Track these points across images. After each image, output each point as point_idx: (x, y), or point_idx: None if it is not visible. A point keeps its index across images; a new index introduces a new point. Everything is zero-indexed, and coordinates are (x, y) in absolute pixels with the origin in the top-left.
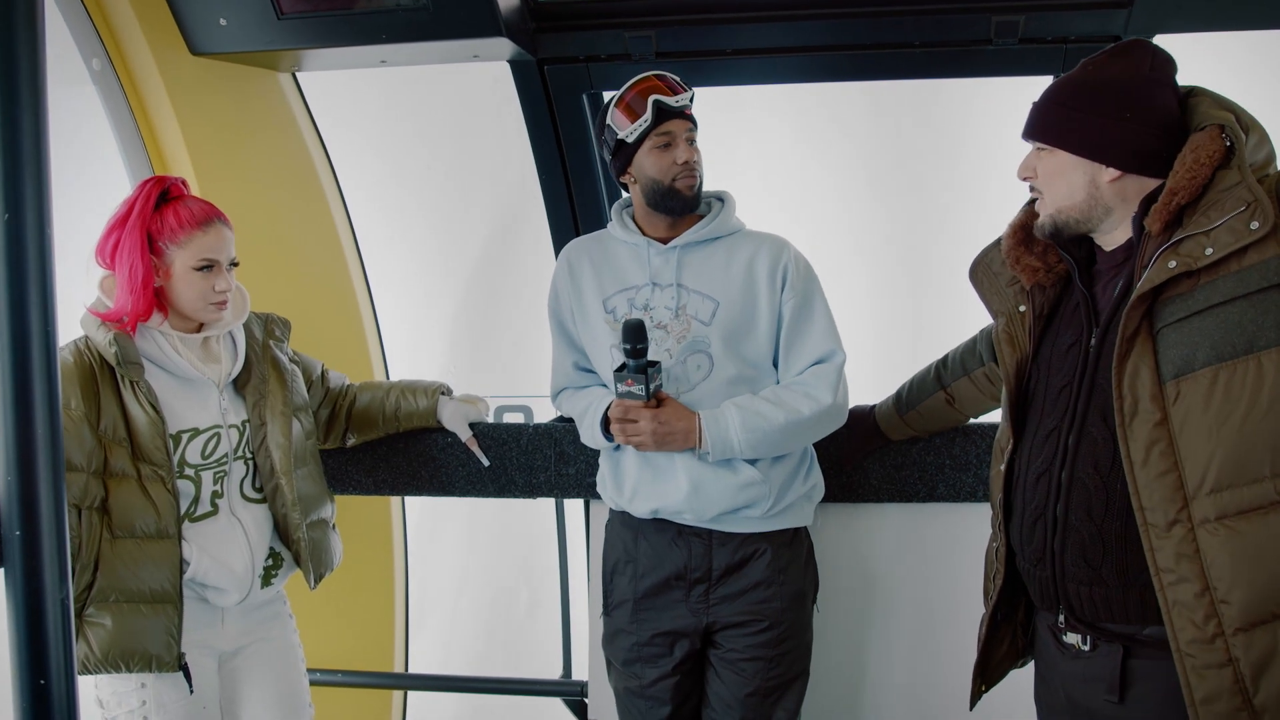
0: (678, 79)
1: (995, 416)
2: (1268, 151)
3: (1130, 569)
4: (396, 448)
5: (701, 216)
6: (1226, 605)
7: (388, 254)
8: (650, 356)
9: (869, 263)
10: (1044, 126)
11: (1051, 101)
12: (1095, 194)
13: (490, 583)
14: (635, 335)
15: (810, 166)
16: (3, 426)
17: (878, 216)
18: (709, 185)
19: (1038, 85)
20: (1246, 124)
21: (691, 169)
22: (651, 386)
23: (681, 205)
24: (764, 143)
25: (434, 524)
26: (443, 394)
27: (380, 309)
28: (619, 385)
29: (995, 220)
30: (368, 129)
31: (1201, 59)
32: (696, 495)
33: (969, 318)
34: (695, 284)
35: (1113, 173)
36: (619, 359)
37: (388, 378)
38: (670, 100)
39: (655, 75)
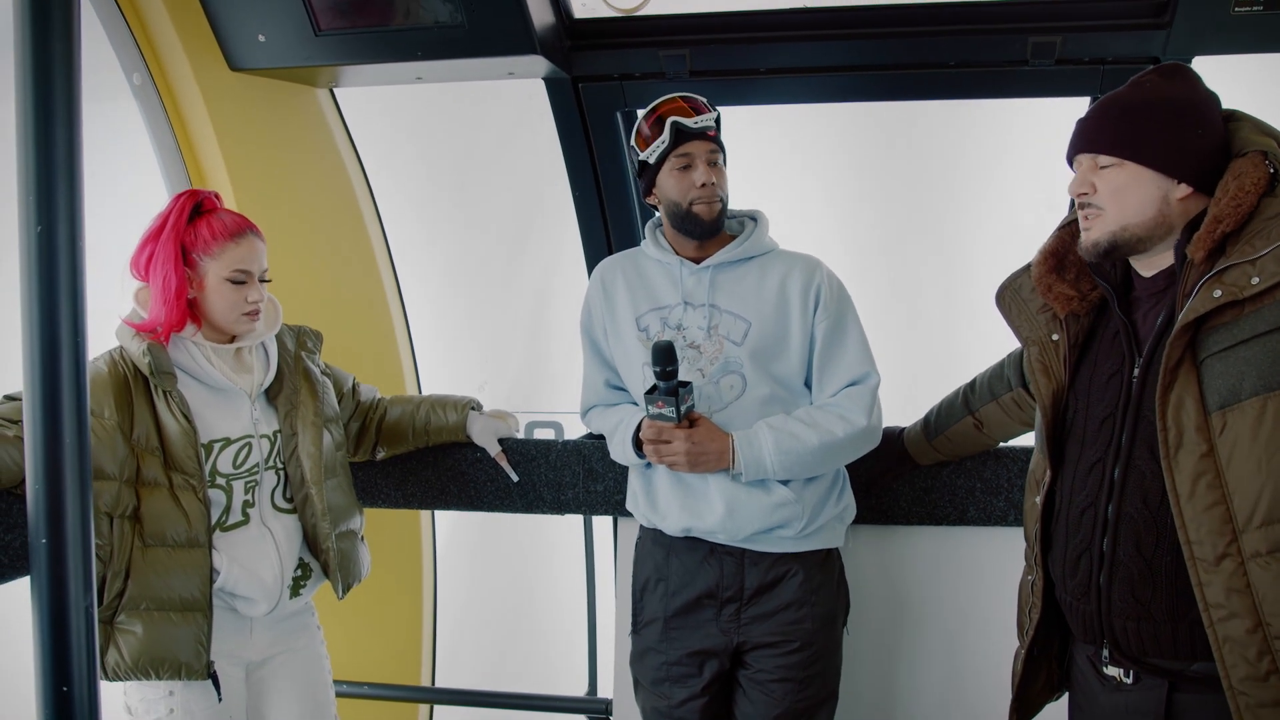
0: (704, 100)
1: (1025, 440)
2: None
3: (1180, 605)
4: (426, 461)
5: (734, 236)
6: None
7: (422, 269)
8: (683, 376)
9: (891, 282)
10: (1111, 139)
11: (1114, 116)
12: (1165, 211)
13: (518, 598)
14: (665, 357)
15: (819, 184)
16: (31, 436)
17: (898, 236)
18: (742, 204)
19: (1066, 106)
20: None
21: (711, 192)
22: (683, 408)
23: (700, 229)
24: (781, 161)
25: (464, 538)
26: (472, 409)
27: (414, 323)
28: (650, 407)
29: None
30: (405, 145)
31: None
32: (731, 516)
33: (994, 339)
34: (728, 304)
35: (1185, 189)
36: (651, 378)
37: (420, 392)
38: (688, 122)
39: (679, 96)
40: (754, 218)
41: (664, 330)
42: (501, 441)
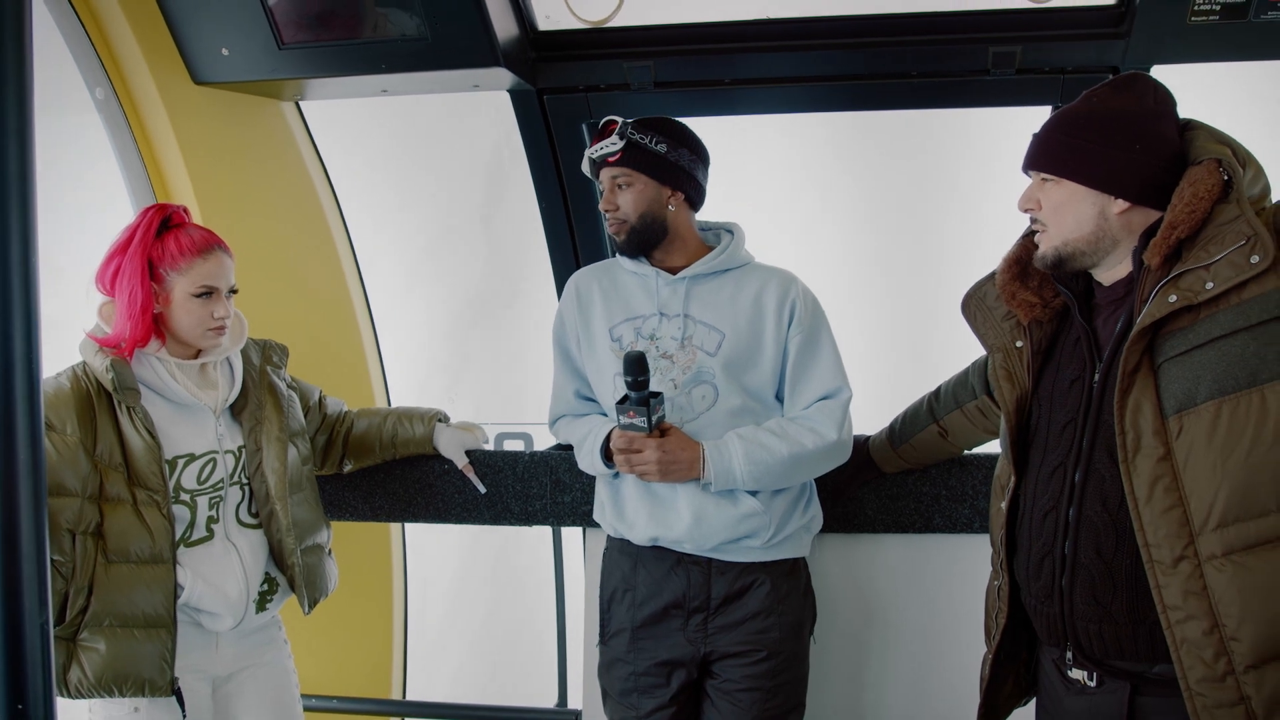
0: (617, 120)
1: (990, 448)
2: (1264, 185)
3: (1140, 607)
4: (393, 474)
5: (711, 248)
6: (1236, 642)
7: (389, 281)
8: (655, 386)
9: (860, 291)
10: (1051, 157)
11: (1058, 132)
12: (1104, 225)
13: (486, 610)
14: (637, 368)
15: (798, 195)
16: None
17: (867, 245)
18: (717, 216)
19: (1030, 115)
20: (1243, 158)
21: (612, 217)
22: (654, 418)
23: (619, 249)
24: (753, 171)
25: (432, 551)
26: (439, 421)
27: (382, 335)
28: (621, 416)
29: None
30: (370, 156)
31: (1192, 90)
32: (698, 525)
33: (961, 346)
34: (702, 315)
35: (1122, 204)
36: (622, 388)
37: (389, 404)
38: (588, 153)
39: (601, 122)
40: (730, 230)
41: (637, 340)
42: (469, 453)
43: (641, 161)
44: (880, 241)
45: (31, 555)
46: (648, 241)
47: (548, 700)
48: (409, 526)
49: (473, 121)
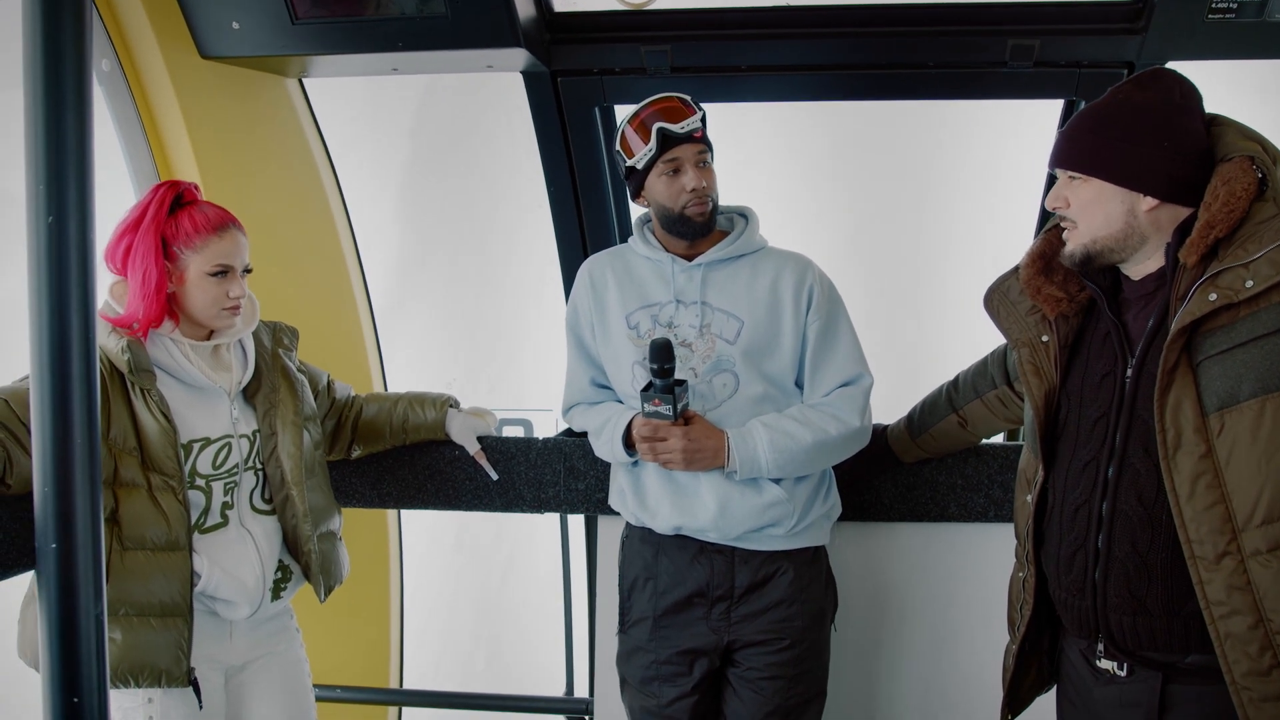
0: (689, 100)
1: (1002, 437)
2: None
3: (1176, 599)
4: (402, 460)
5: (724, 233)
6: None
7: (389, 264)
8: (677, 376)
9: (865, 279)
10: (1079, 155)
11: (1085, 130)
12: (1133, 223)
13: (484, 598)
14: (663, 355)
15: (802, 181)
16: (40, 437)
17: (879, 233)
18: (730, 200)
19: (1036, 111)
20: (1274, 154)
21: (702, 196)
22: (679, 406)
23: (692, 231)
24: (763, 157)
25: (429, 537)
26: (451, 406)
27: (380, 319)
28: (645, 404)
29: (987, 242)
30: (373, 136)
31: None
32: (724, 514)
33: (965, 338)
34: (720, 302)
35: (1151, 202)
36: (641, 376)
37: (384, 388)
38: (674, 127)
39: (664, 98)
40: (744, 215)
41: (655, 328)
42: (481, 439)
43: (708, 141)
44: (881, 233)
45: (88, 545)
46: (713, 224)
47: (544, 689)
48: (404, 513)
49: (479, 102)
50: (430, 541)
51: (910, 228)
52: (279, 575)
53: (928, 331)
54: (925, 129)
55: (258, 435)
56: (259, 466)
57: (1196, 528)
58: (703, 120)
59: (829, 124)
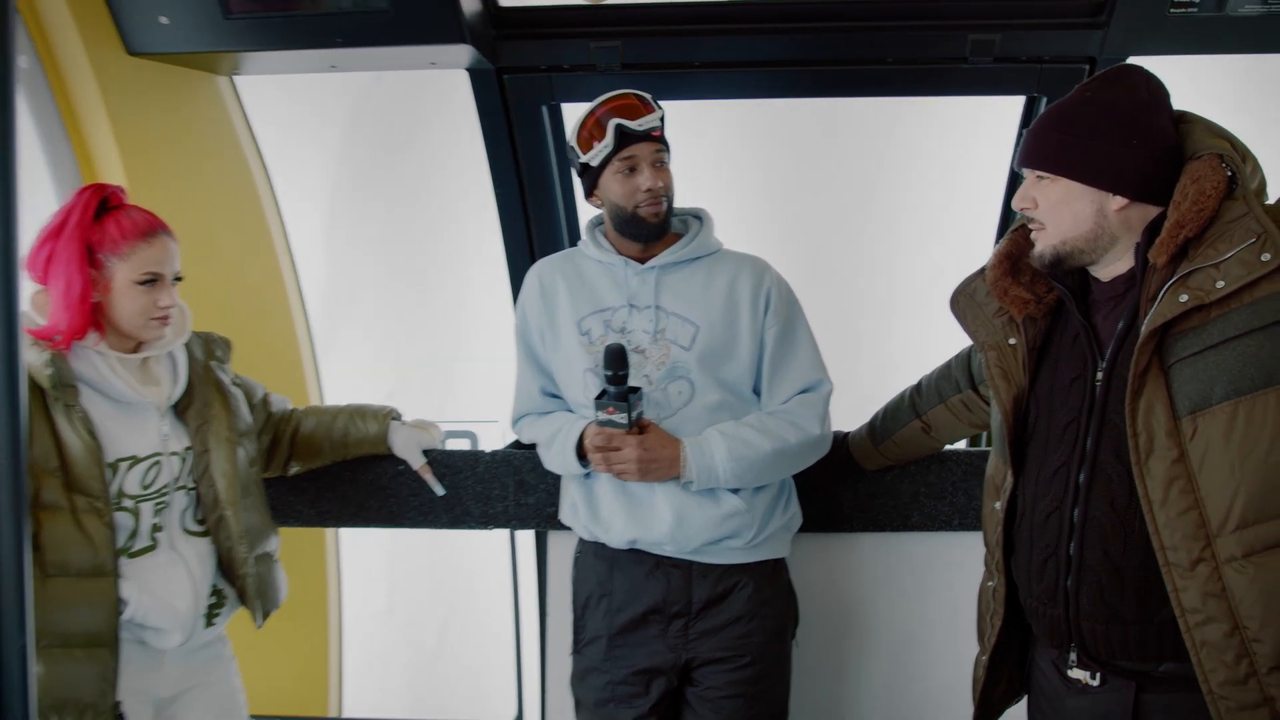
0: (648, 97)
1: (966, 444)
2: (1260, 179)
3: (1149, 606)
4: (343, 476)
5: (678, 235)
6: (1259, 644)
7: (327, 270)
8: (631, 383)
9: (824, 281)
10: (1047, 154)
11: (1052, 128)
12: (1102, 223)
13: (429, 619)
14: (617, 361)
15: (757, 181)
16: None
17: (837, 234)
18: (684, 202)
19: (1003, 105)
20: (1241, 152)
21: (657, 196)
22: (633, 414)
23: (647, 233)
24: (709, 157)
25: (371, 556)
26: (393, 419)
27: (316, 327)
28: (599, 413)
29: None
30: (308, 137)
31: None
32: (680, 526)
33: (921, 341)
34: (674, 306)
35: (1120, 201)
36: (593, 383)
37: (321, 401)
38: (632, 124)
39: (622, 94)
40: (699, 216)
41: (607, 334)
42: (425, 453)
43: (665, 141)
44: (840, 235)
45: (12, 573)
46: (668, 225)
47: (502, 714)
48: (345, 531)
49: (422, 100)
50: (372, 561)
51: (870, 229)
52: (213, 600)
53: (889, 335)
54: (885, 127)
55: (189, 453)
56: (191, 486)
57: (1170, 534)
58: (661, 120)
59: (786, 122)
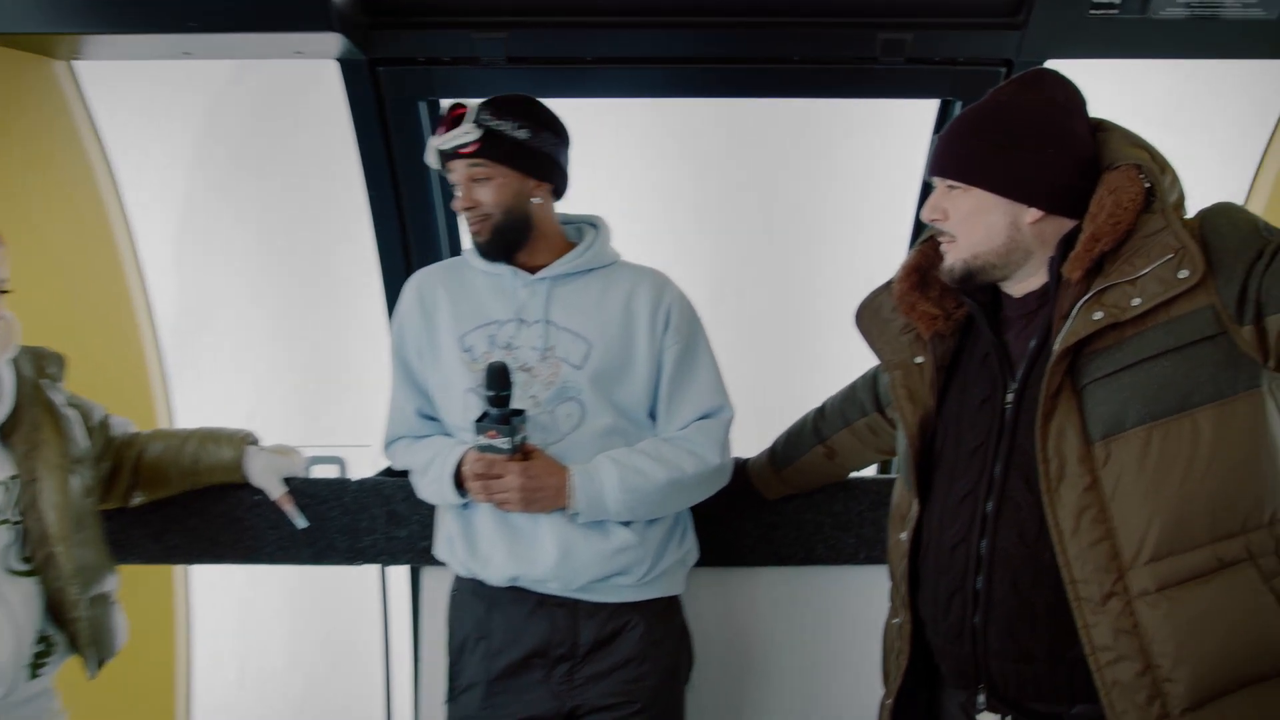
0: (469, 107)
1: (872, 470)
2: (1179, 192)
3: (1060, 645)
4: (192, 507)
5: (574, 244)
6: (1172, 683)
7: (181, 278)
8: (515, 404)
9: (727, 297)
10: (958, 163)
11: (964, 135)
12: (1016, 237)
13: (289, 665)
14: (499, 380)
15: (652, 188)
16: None
17: (730, 246)
18: (579, 209)
19: (916, 109)
20: (1160, 163)
21: (473, 216)
22: (517, 439)
23: (482, 252)
24: (604, 160)
25: (224, 596)
26: (250, 444)
27: (168, 343)
28: (479, 437)
29: (864, 254)
30: (163, 130)
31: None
32: (565, 562)
33: (835, 360)
34: (566, 321)
35: (1035, 213)
36: (474, 405)
37: (171, 423)
38: (437, 143)
39: (453, 106)
40: (594, 224)
41: (492, 350)
42: (286, 481)
43: (501, 151)
44: (745, 243)
45: None
46: (512, 241)
47: None
48: (195, 569)
49: (289, 93)
50: (225, 602)
51: (777, 240)
52: (39, 648)
53: (795, 355)
54: (792, 130)
55: (15, 482)
56: (16, 519)
57: (1081, 566)
58: (485, 132)
59: (685, 124)
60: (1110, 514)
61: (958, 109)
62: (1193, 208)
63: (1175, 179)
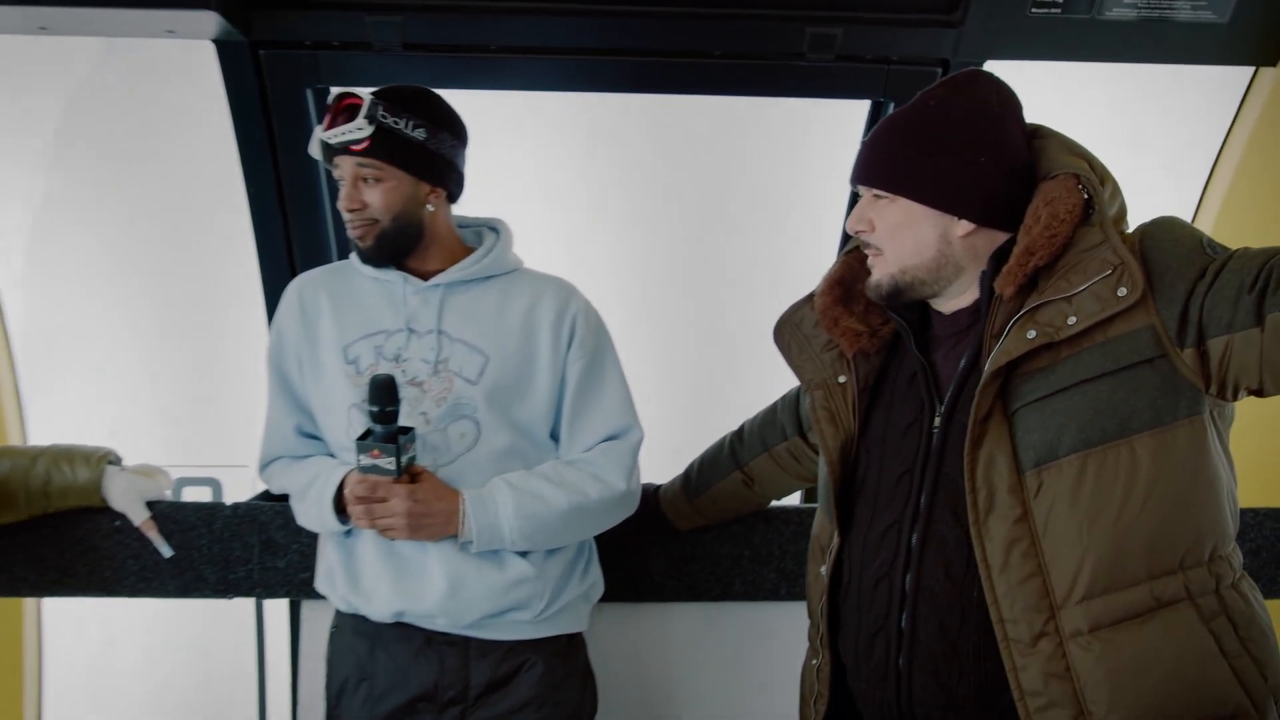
0: (361, 98)
1: (796, 498)
2: (1120, 204)
3: (990, 690)
4: (42, 534)
5: (472, 249)
6: None
7: (36, 279)
8: (403, 421)
9: (638, 310)
10: (884, 171)
11: (891, 141)
12: (946, 250)
13: (155, 706)
14: (385, 395)
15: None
16: None
17: (644, 253)
18: (479, 211)
19: (847, 110)
20: (1100, 173)
21: (356, 218)
22: (404, 459)
23: (364, 258)
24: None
25: (81, 631)
26: (110, 463)
27: (21, 351)
28: (362, 456)
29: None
30: (17, 112)
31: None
32: (455, 596)
33: (761, 377)
34: (461, 332)
35: (966, 226)
36: (359, 421)
37: (25, 440)
38: (324, 135)
39: (341, 96)
40: (494, 228)
41: (379, 362)
42: (149, 505)
43: (395, 152)
44: (662, 250)
45: None
46: (400, 248)
47: None
48: (47, 601)
49: (162, 76)
50: (81, 638)
51: (696, 249)
52: None
53: (712, 374)
54: (714, 130)
55: None
56: None
57: (1010, 604)
58: (381, 124)
59: (599, 120)
60: (1041, 548)
61: (890, 111)
62: (1138, 223)
63: (1116, 190)
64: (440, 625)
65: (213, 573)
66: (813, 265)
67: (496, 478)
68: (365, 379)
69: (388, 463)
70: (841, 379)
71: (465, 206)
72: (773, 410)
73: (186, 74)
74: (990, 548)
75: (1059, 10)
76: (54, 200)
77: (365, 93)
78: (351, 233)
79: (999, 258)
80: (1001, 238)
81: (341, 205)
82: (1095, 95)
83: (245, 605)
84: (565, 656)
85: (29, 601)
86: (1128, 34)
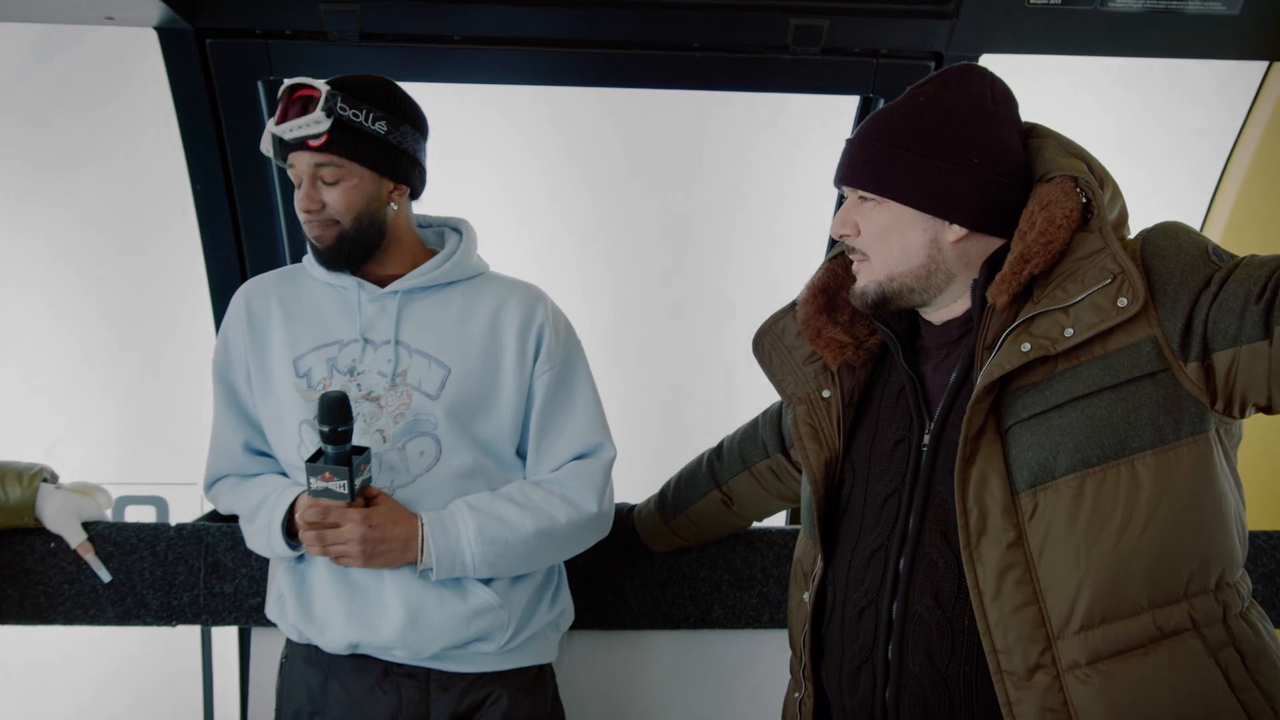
0: (319, 90)
1: (779, 520)
2: (1121, 208)
3: None
4: None
5: (433, 251)
6: None
7: None
8: (359, 439)
9: (613, 318)
10: (871, 172)
11: (879, 140)
12: (937, 257)
13: None
14: (337, 414)
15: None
16: None
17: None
18: (442, 210)
19: (835, 106)
20: (1100, 175)
21: (313, 219)
22: (358, 482)
23: (321, 260)
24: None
25: (11, 660)
26: (45, 480)
27: None
28: (313, 479)
29: (774, 268)
30: None
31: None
32: (414, 626)
33: (744, 391)
34: (420, 343)
35: (958, 231)
36: (310, 439)
37: None
38: (278, 130)
39: (296, 86)
40: (457, 229)
41: (332, 376)
42: (87, 526)
43: (356, 147)
44: (636, 257)
45: None
46: (361, 250)
47: None
48: None
49: (105, 65)
50: (13, 670)
51: (674, 253)
52: None
53: (690, 387)
54: (694, 127)
55: None
56: None
57: (1003, 634)
58: (339, 117)
59: (572, 116)
60: (1037, 574)
61: (880, 107)
62: (1142, 229)
63: (1116, 193)
64: (398, 657)
65: (155, 598)
66: (796, 272)
67: (458, 500)
68: (317, 393)
69: (340, 486)
70: (825, 393)
71: (423, 205)
72: (754, 425)
73: (129, 64)
74: (982, 573)
75: (1059, 2)
76: None
77: (321, 83)
78: (310, 233)
79: (992, 265)
80: (995, 244)
81: (299, 206)
82: (1095, 94)
83: (190, 634)
84: (533, 689)
85: None
86: (1133, 26)
